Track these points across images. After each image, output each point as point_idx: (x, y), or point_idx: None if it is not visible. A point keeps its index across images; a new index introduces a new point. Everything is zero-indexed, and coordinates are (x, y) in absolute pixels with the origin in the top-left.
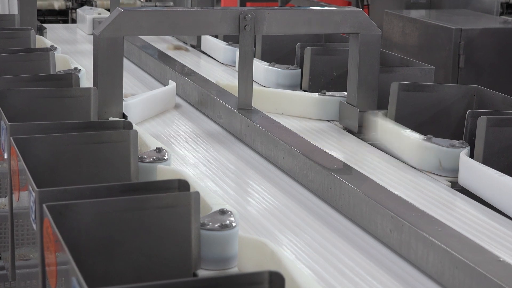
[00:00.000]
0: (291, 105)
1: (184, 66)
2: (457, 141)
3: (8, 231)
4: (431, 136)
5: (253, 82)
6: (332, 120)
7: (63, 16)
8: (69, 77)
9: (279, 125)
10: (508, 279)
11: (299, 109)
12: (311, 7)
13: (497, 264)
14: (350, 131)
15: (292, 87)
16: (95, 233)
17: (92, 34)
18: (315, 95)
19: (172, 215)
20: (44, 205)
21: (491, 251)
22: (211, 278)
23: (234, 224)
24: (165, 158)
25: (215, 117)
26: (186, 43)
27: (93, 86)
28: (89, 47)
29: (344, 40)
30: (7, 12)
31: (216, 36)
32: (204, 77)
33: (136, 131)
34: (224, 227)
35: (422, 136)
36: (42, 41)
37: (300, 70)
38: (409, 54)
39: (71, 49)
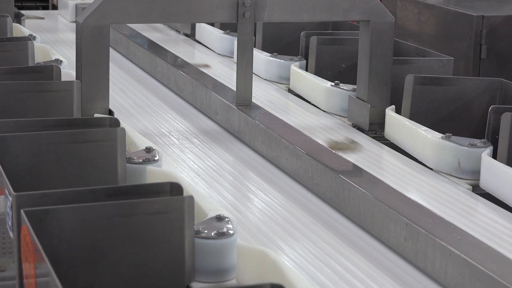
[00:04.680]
0: None
1: (176, 57)
2: (478, 140)
3: None
4: (450, 134)
5: (253, 75)
6: (340, 116)
7: (43, 1)
8: (50, 70)
9: (281, 122)
10: None
11: None
12: None
13: None
14: (360, 129)
15: None
16: (78, 242)
17: (75, 21)
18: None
19: (163, 222)
20: (22, 211)
21: None
22: None
23: (232, 232)
24: (156, 158)
25: (211, 113)
26: (179, 31)
27: (76, 79)
28: (72, 36)
29: (353, 29)
30: None
31: (212, 24)
32: (198, 69)
33: (123, 129)
34: (221, 235)
35: (439, 135)
36: (20, 30)
37: (305, 61)
38: (425, 44)
39: (52, 38)
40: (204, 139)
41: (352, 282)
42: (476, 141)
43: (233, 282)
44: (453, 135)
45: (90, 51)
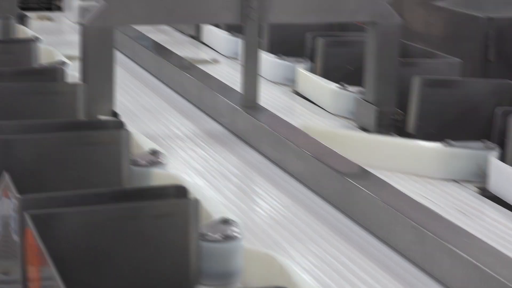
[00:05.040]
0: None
1: (182, 59)
2: (486, 142)
3: None
4: (449, 140)
5: (259, 77)
6: (347, 118)
7: (47, 3)
8: (54, 71)
9: (288, 124)
10: None
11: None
12: None
13: None
14: (367, 131)
15: None
16: (83, 245)
17: (79, 23)
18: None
19: (168, 225)
20: (26, 214)
21: None
22: None
23: (238, 235)
24: (161, 161)
25: (216, 115)
26: (184, 33)
27: (81, 81)
28: (76, 38)
29: (360, 30)
30: None
31: (218, 26)
32: (204, 71)
33: (128, 131)
34: (227, 238)
35: (439, 144)
36: (24, 31)
37: (311, 63)
38: (433, 46)
39: (57, 40)
40: (209, 142)
41: (359, 286)
42: (484, 144)
43: (239, 285)
44: (460, 137)
45: (95, 53)
